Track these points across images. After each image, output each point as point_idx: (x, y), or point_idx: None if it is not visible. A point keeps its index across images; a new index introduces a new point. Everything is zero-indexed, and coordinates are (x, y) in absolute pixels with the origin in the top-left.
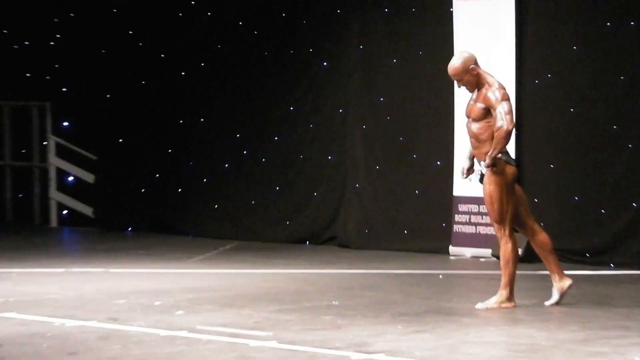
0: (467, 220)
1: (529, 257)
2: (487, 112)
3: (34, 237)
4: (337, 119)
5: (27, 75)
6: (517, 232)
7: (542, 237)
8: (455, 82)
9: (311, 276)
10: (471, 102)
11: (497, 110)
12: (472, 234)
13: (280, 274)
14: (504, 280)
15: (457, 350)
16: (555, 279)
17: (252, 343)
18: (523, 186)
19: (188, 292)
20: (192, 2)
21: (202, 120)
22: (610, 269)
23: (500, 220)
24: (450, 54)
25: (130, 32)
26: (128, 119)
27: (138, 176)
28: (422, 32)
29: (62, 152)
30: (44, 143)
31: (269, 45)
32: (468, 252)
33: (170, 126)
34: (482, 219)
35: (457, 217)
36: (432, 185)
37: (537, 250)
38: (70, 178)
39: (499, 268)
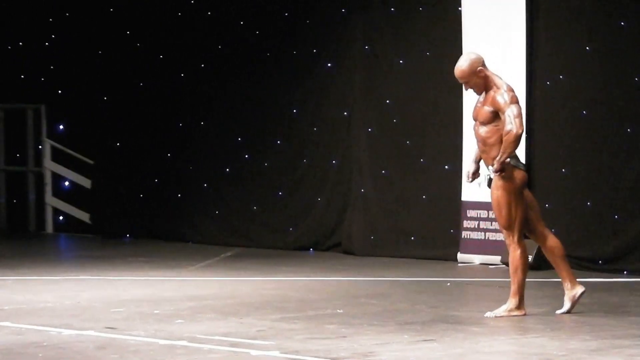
0: (476, 226)
1: (539, 264)
2: (496, 116)
3: (29, 243)
4: (342, 122)
5: (22, 77)
6: (527, 238)
7: (553, 243)
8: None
9: (315, 284)
10: (478, 105)
11: (506, 114)
12: (481, 240)
13: (283, 282)
14: (513, 287)
15: None
16: (567, 286)
17: (255, 353)
18: (533, 191)
19: (188, 300)
20: (192, 2)
21: (202, 123)
22: (623, 276)
23: (508, 227)
24: (458, 54)
25: (128, 32)
26: (126, 122)
27: (136, 181)
28: (429, 32)
29: (57, 156)
30: (39, 147)
31: (270, 46)
32: (477, 259)
33: (169, 129)
34: (491, 225)
35: (465, 223)
36: (439, 190)
37: (548, 256)
38: (66, 183)
39: (508, 276)
